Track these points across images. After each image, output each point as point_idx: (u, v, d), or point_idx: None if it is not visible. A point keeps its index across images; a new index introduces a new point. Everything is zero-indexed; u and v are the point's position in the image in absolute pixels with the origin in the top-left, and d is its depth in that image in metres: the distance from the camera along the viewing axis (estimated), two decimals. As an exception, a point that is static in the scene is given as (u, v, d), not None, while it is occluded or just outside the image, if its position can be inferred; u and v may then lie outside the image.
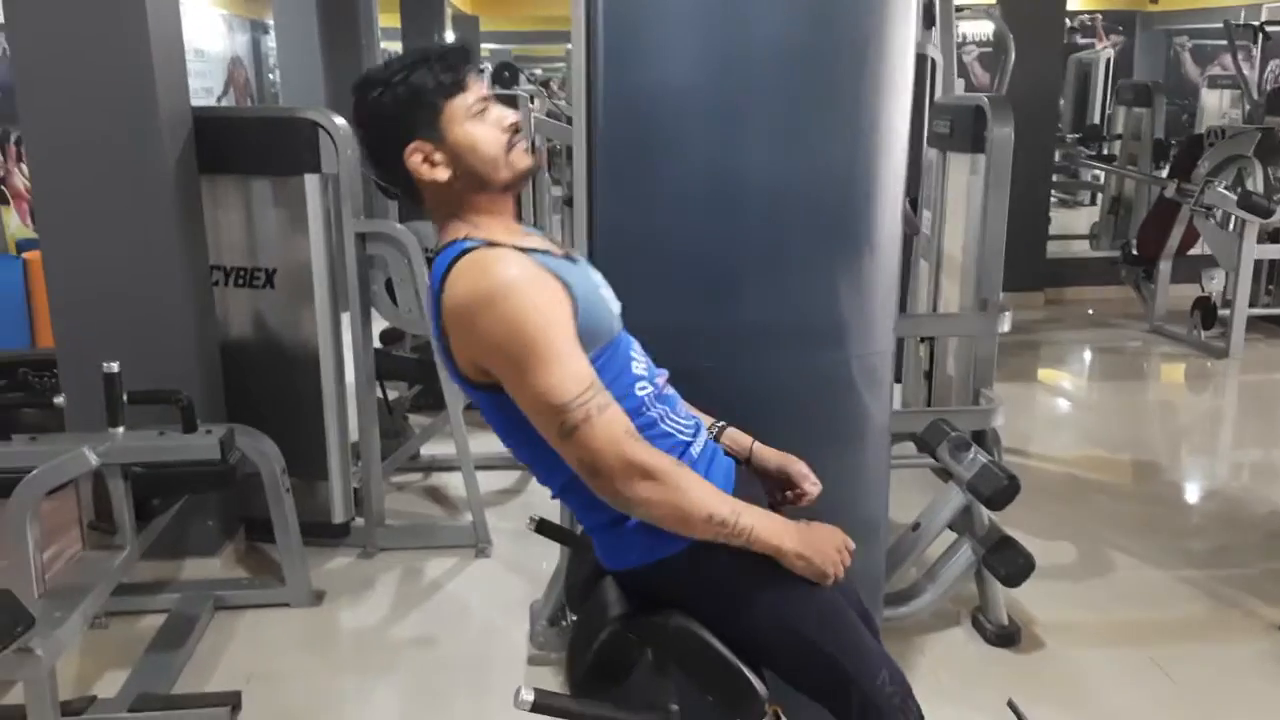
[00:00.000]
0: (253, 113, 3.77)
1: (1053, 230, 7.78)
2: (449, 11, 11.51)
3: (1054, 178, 8.61)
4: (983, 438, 3.63)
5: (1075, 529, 3.76)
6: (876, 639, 1.75)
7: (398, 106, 1.53)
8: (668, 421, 1.60)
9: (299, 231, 3.43)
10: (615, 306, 1.66)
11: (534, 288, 1.45)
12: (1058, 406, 5.77)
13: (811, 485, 1.76)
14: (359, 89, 1.58)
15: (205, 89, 10.57)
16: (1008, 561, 2.79)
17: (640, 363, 1.63)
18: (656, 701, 1.58)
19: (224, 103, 10.83)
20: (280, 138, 3.38)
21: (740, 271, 2.06)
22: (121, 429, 2.48)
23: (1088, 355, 6.55)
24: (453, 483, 4.19)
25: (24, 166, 5.88)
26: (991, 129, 3.60)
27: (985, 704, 2.63)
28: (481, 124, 1.55)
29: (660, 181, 2.04)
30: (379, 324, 3.93)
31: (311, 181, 3.38)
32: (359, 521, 3.68)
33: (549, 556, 3.20)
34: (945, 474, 3.12)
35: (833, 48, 2.01)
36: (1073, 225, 9.58)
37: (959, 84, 4.25)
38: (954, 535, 3.00)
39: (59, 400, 2.68)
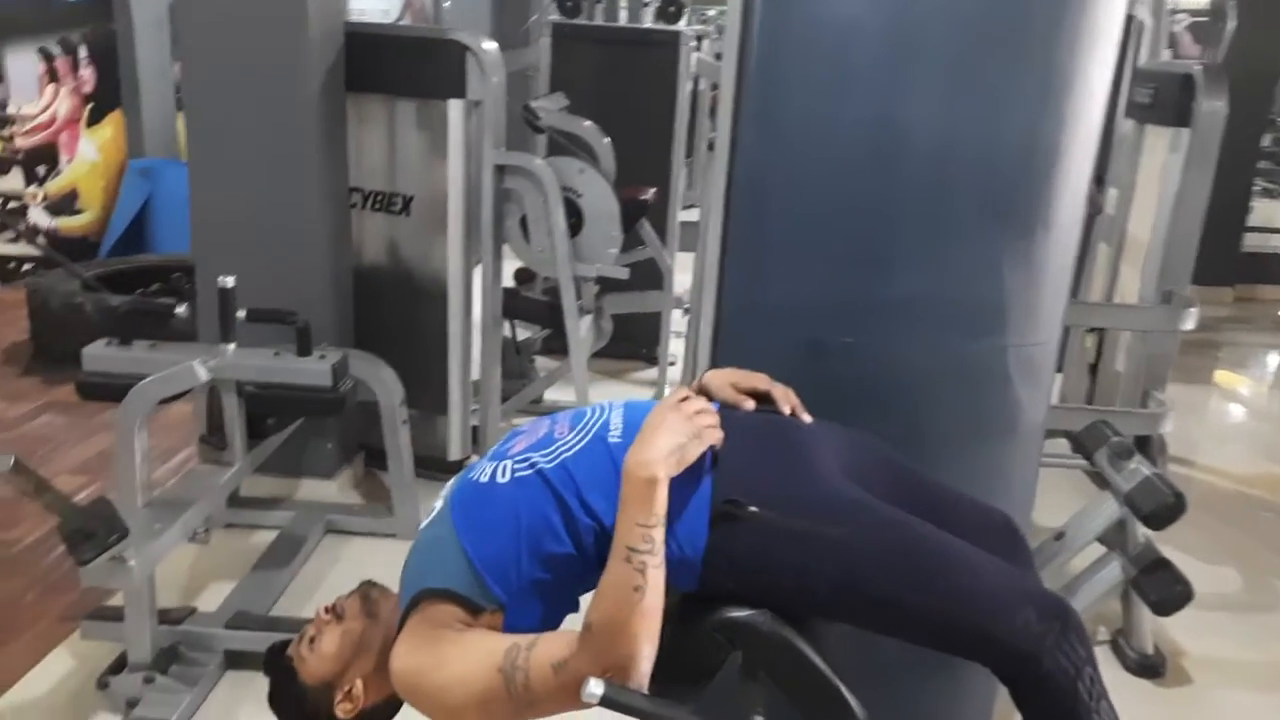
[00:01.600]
0: (402, 31, 3.68)
1: (1251, 221, 7.09)
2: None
3: (1259, 164, 7.84)
4: (1147, 445, 3.28)
5: (1240, 554, 3.39)
6: (1024, 564, 1.61)
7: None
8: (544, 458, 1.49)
9: (439, 159, 3.34)
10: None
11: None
12: (1234, 415, 5.27)
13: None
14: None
15: (383, 10, 10.75)
16: (1161, 587, 2.49)
17: (486, 468, 1.52)
18: (740, 708, 1.41)
19: (402, 23, 10.98)
20: (428, 59, 3.29)
21: (893, 238, 1.83)
22: (233, 346, 2.45)
23: (1274, 360, 5.97)
24: (572, 430, 4.09)
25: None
26: (1201, 101, 3.20)
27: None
28: (317, 646, 1.57)
29: (813, 129, 1.82)
30: (513, 263, 3.84)
31: (455, 107, 3.28)
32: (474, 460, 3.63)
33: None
34: (1102, 481, 2.82)
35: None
36: (1275, 218, 8.76)
37: (1165, 54, 3.83)
38: (1102, 549, 2.71)
39: (180, 310, 2.68)
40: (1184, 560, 2.68)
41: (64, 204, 6.31)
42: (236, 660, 2.57)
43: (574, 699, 1.29)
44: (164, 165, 6.42)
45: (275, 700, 1.66)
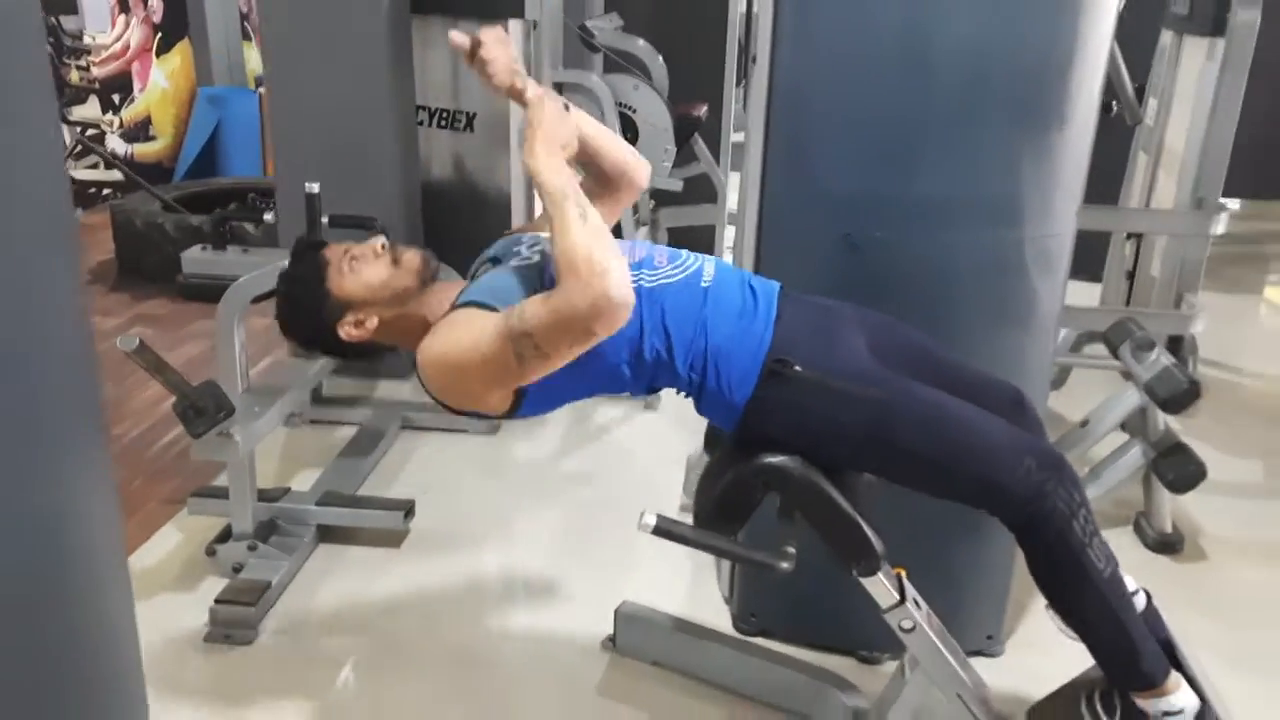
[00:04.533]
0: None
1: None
2: None
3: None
4: (1179, 345, 3.43)
5: (1269, 450, 3.53)
6: (1033, 429, 1.81)
7: (307, 319, 1.76)
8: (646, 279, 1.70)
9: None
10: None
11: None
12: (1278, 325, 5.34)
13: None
14: (284, 332, 1.84)
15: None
16: (1177, 467, 2.67)
17: None
18: (776, 542, 1.64)
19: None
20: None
21: (921, 139, 2.01)
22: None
23: (1326, 274, 5.99)
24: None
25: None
26: (1235, 10, 3.27)
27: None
28: (360, 267, 1.73)
29: (846, 38, 1.99)
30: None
31: (514, 26, 3.45)
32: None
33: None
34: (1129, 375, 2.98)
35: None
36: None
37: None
38: (1126, 436, 2.89)
39: (268, 217, 2.92)
40: (1210, 451, 2.85)
41: (138, 131, 6.59)
42: (327, 534, 2.86)
43: (567, 335, 1.49)
44: (231, 93, 6.67)
45: (289, 281, 1.80)
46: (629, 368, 1.67)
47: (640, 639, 2.41)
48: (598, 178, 1.88)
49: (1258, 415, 3.83)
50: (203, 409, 2.27)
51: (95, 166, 6.28)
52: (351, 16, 3.32)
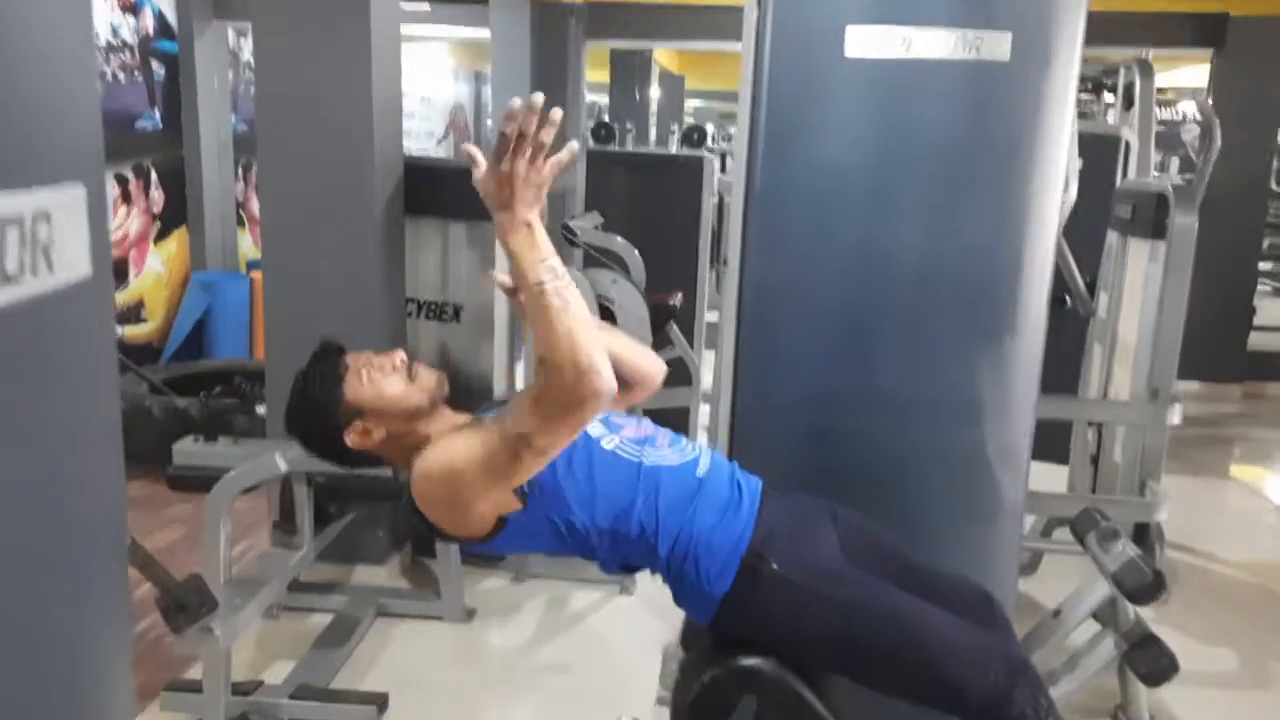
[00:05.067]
0: (454, 164, 4.10)
1: (1261, 321, 7.33)
2: (655, 70, 11.95)
3: (1266, 266, 8.11)
4: (1145, 533, 3.51)
5: (1242, 638, 3.56)
6: (1001, 632, 1.84)
7: (317, 418, 1.77)
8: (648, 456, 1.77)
9: (486, 272, 3.71)
10: None
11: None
12: (1246, 507, 5.44)
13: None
14: (288, 428, 1.84)
15: (428, 131, 11.39)
16: (1149, 660, 2.69)
17: (595, 425, 1.77)
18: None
19: (444, 144, 11.62)
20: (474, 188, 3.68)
21: (881, 339, 2.15)
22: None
23: (1282, 454, 6.15)
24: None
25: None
26: (1174, 217, 3.51)
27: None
28: (378, 378, 1.75)
29: (810, 246, 2.15)
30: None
31: (500, 228, 3.65)
32: (515, 548, 3.89)
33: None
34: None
35: (989, 136, 2.08)
36: (1281, 317, 8.97)
37: (1173, 163, 4.11)
38: (1099, 626, 2.92)
39: (260, 410, 3.01)
40: (1183, 640, 2.88)
41: (130, 313, 6.75)
42: (300, 728, 2.82)
43: (560, 431, 1.52)
44: (224, 278, 6.88)
45: (306, 379, 1.79)
46: (610, 537, 1.72)
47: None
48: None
49: (1229, 602, 3.87)
50: (185, 604, 2.29)
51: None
52: (348, 216, 3.50)
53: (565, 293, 1.48)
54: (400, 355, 1.79)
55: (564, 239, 4.02)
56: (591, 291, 3.66)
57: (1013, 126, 2.08)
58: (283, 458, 2.55)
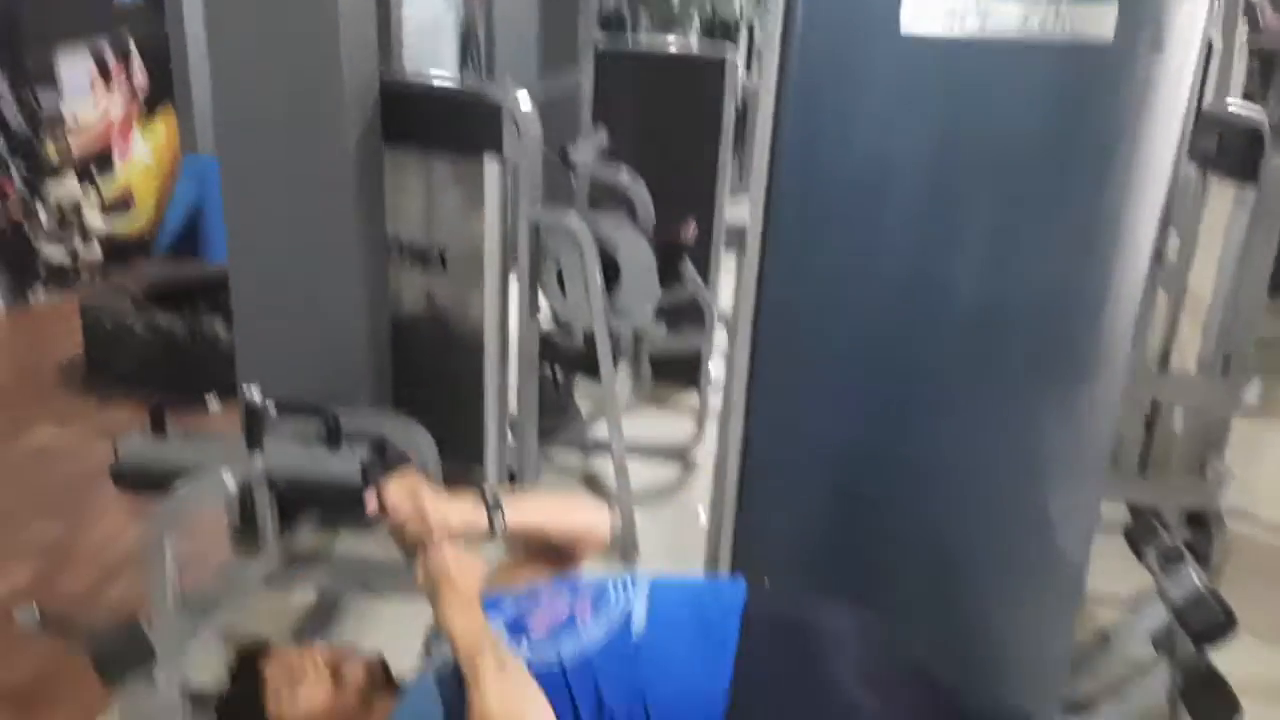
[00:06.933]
0: (438, 88, 3.62)
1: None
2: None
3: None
4: (1203, 520, 3.16)
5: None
6: None
7: None
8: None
9: (475, 213, 3.29)
10: None
11: None
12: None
13: None
14: None
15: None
16: (1207, 707, 2.39)
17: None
18: None
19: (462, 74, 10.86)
20: (462, 115, 3.23)
21: (925, 387, 1.76)
22: (261, 451, 2.41)
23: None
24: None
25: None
26: (1269, 159, 3.02)
27: None
28: (301, 693, 1.63)
29: (844, 273, 1.75)
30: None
31: (490, 163, 3.21)
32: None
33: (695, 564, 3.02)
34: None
35: (1080, 140, 1.64)
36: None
37: (1241, 28, 3.47)
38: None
39: (213, 407, 2.67)
40: (1245, 646, 2.53)
41: (119, 205, 6.37)
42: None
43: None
44: (216, 162, 6.43)
45: (226, 703, 1.71)
46: None
47: None
48: (547, 551, 1.77)
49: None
50: (118, 655, 2.03)
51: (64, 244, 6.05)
52: (317, 144, 3.10)
53: (498, 651, 1.44)
54: (319, 654, 1.67)
55: (562, 161, 3.59)
56: (592, 241, 3.25)
57: (1111, 128, 1.63)
58: (230, 475, 2.23)
